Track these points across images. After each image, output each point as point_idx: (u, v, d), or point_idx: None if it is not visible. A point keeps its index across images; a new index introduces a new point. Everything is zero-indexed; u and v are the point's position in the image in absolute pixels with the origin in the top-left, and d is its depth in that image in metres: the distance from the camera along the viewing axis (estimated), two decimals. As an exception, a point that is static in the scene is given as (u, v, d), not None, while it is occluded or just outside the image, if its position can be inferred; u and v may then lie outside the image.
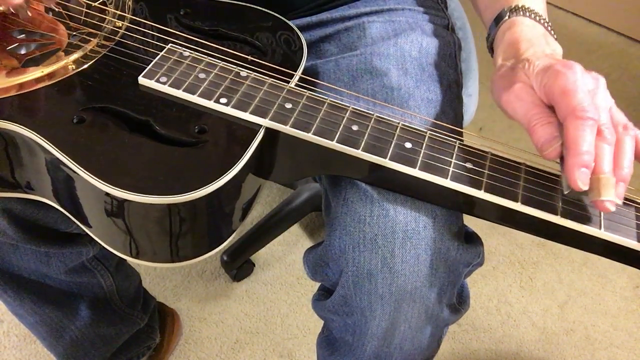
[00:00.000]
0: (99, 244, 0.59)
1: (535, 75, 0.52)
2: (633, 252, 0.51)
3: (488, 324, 1.22)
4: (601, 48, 1.86)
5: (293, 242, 1.33)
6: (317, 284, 0.75)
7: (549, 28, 0.60)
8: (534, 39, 0.57)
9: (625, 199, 0.52)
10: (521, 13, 0.59)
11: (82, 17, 0.66)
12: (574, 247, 0.55)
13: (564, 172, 0.49)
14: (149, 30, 0.66)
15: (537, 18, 0.59)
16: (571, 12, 1.97)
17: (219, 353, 1.15)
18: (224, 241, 0.58)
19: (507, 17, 0.60)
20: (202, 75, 0.60)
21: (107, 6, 0.68)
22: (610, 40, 1.90)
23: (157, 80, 0.59)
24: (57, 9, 0.66)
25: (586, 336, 1.20)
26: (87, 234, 0.60)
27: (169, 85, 0.59)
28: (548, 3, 2.00)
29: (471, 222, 0.62)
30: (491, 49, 0.62)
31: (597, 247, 0.53)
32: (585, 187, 0.48)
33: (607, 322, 1.23)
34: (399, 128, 0.57)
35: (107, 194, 0.51)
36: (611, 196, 0.47)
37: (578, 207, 0.53)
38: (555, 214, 0.52)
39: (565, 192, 0.51)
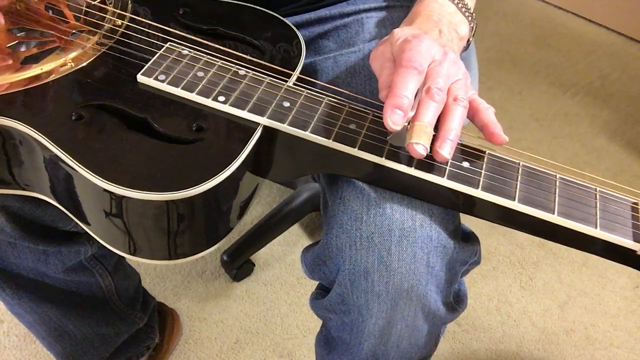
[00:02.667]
0: (98, 242, 0.59)
1: (393, 44, 0.57)
2: (630, 252, 0.51)
3: (488, 324, 1.22)
4: (601, 48, 1.86)
5: (293, 242, 1.34)
6: (317, 284, 0.75)
7: (463, 8, 0.64)
8: (434, 16, 0.62)
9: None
10: None
11: (82, 16, 0.66)
12: (572, 246, 0.55)
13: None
14: (148, 29, 0.66)
15: None
16: (571, 12, 1.97)
17: (219, 353, 1.15)
18: (221, 239, 0.59)
19: None
20: (200, 74, 0.60)
21: (106, 5, 0.68)
22: (610, 40, 1.90)
23: (156, 78, 0.59)
24: (57, 8, 0.66)
25: (586, 336, 1.20)
26: (85, 232, 0.60)
27: (168, 83, 0.59)
28: (548, 3, 1.99)
29: (471, 221, 0.62)
30: None
31: (594, 247, 0.53)
32: (396, 127, 0.51)
33: (607, 322, 1.22)
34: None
35: (105, 191, 0.51)
36: (422, 141, 0.50)
37: (575, 206, 0.53)
38: (552, 212, 0.52)
39: (387, 139, 0.55)
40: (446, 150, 0.51)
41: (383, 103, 0.53)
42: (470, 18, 0.64)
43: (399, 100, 0.51)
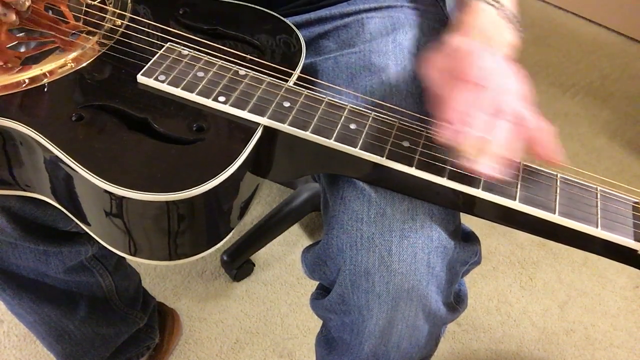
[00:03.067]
0: (98, 243, 0.59)
1: (450, 56, 0.56)
2: (630, 251, 0.51)
3: (488, 324, 1.22)
4: (601, 48, 1.86)
5: (293, 242, 1.33)
6: (317, 284, 0.75)
7: (510, 16, 0.62)
8: (485, 25, 0.60)
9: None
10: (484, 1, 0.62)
11: (82, 16, 0.66)
12: (573, 246, 0.55)
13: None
14: (148, 29, 0.66)
15: (497, 5, 0.62)
16: (571, 12, 1.97)
17: (219, 353, 1.15)
18: (222, 239, 0.59)
19: (470, 4, 0.63)
20: (200, 74, 0.60)
21: (106, 5, 0.68)
22: (610, 40, 1.89)
23: (156, 79, 0.59)
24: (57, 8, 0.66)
25: (586, 336, 1.20)
26: (86, 232, 0.60)
27: (168, 84, 0.59)
28: (548, 3, 1.99)
29: (471, 221, 0.62)
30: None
31: (595, 246, 0.53)
32: (457, 145, 0.50)
33: (607, 322, 1.22)
34: (396, 127, 0.57)
35: (106, 192, 0.51)
36: (488, 160, 0.49)
37: (576, 206, 0.53)
38: (553, 212, 0.52)
39: (448, 157, 0.54)
40: (497, 168, 0.50)
41: (414, 112, 0.53)
42: (514, 26, 0.63)
43: (458, 117, 0.50)
